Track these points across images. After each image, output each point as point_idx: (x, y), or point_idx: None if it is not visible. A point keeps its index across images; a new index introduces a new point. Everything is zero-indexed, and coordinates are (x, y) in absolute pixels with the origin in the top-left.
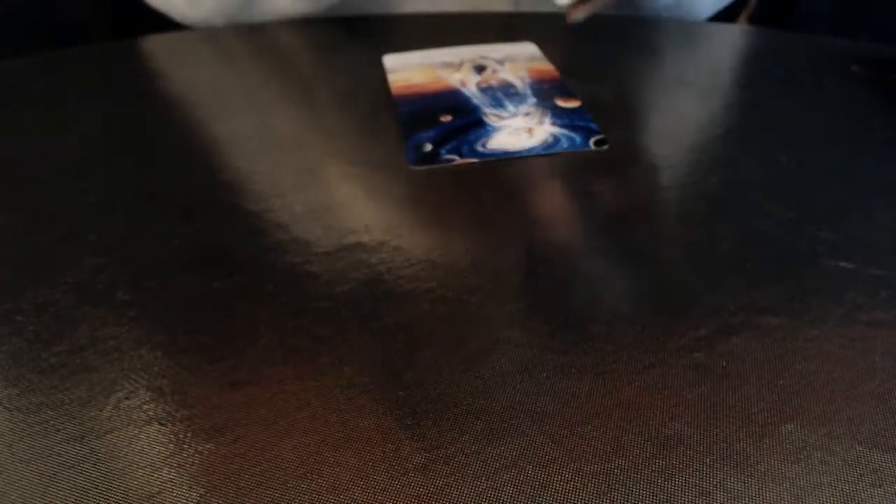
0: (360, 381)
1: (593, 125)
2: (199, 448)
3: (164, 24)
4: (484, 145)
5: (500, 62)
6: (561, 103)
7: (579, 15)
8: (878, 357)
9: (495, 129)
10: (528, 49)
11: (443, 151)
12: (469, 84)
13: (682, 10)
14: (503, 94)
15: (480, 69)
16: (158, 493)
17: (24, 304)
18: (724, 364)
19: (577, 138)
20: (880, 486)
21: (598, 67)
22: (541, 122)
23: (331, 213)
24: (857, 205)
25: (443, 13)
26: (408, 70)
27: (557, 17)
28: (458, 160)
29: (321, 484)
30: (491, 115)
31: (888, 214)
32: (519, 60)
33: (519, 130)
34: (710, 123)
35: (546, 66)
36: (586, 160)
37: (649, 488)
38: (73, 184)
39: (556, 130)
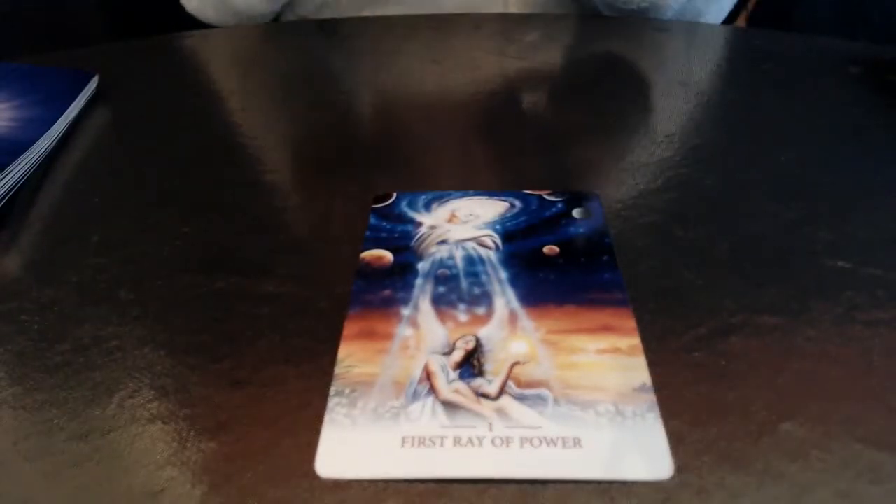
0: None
1: None
2: (202, 446)
3: (165, 25)
4: None
5: None
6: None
7: None
8: (876, 356)
9: None
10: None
11: None
12: None
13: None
14: None
15: None
16: (161, 490)
17: (29, 304)
18: (724, 363)
19: None
20: (878, 484)
21: (597, 68)
22: None
23: (334, 215)
24: (855, 205)
25: (442, 14)
26: None
27: (556, 17)
28: None
29: (323, 482)
30: None
31: (886, 215)
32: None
33: None
34: (710, 124)
35: None
36: None
37: (648, 486)
38: (75, 185)
39: None
